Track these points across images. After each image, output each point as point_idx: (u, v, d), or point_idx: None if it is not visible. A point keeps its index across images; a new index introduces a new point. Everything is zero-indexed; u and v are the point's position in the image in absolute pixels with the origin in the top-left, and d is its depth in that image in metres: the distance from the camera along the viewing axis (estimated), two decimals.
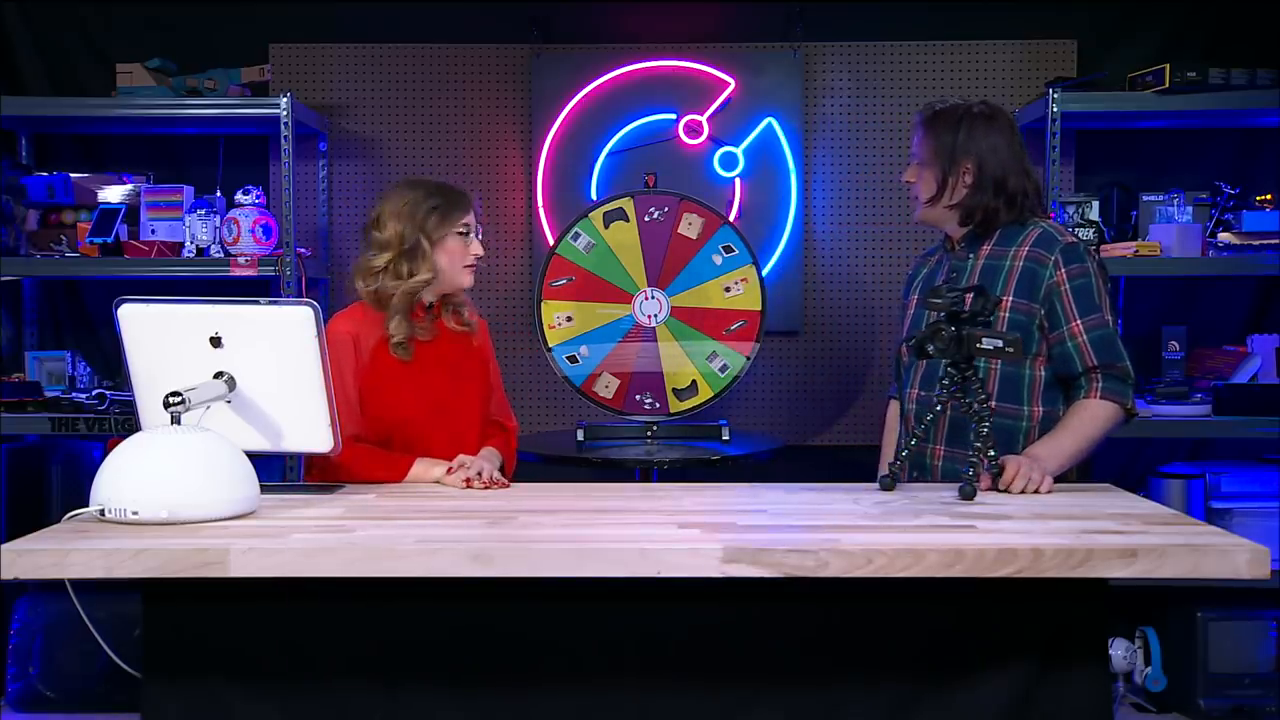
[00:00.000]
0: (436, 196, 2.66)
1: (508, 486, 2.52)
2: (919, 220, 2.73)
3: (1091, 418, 2.53)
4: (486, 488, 2.47)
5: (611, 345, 3.81)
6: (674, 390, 3.81)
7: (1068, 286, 2.55)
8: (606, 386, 3.81)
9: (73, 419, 3.80)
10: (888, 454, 2.86)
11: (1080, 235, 3.83)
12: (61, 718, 3.84)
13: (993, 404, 2.55)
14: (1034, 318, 2.56)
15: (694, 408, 3.81)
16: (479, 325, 2.81)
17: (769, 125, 4.22)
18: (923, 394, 2.63)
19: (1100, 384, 2.54)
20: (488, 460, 2.59)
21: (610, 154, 4.24)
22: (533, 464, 3.45)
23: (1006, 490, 2.36)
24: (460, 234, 2.66)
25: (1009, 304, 2.56)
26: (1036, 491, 2.35)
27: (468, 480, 2.48)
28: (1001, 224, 2.63)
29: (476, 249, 2.69)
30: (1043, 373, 2.58)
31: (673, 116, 4.23)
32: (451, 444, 2.61)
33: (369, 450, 2.56)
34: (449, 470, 2.52)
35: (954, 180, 2.61)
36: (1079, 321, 2.54)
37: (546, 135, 4.23)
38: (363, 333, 2.62)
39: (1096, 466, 3.57)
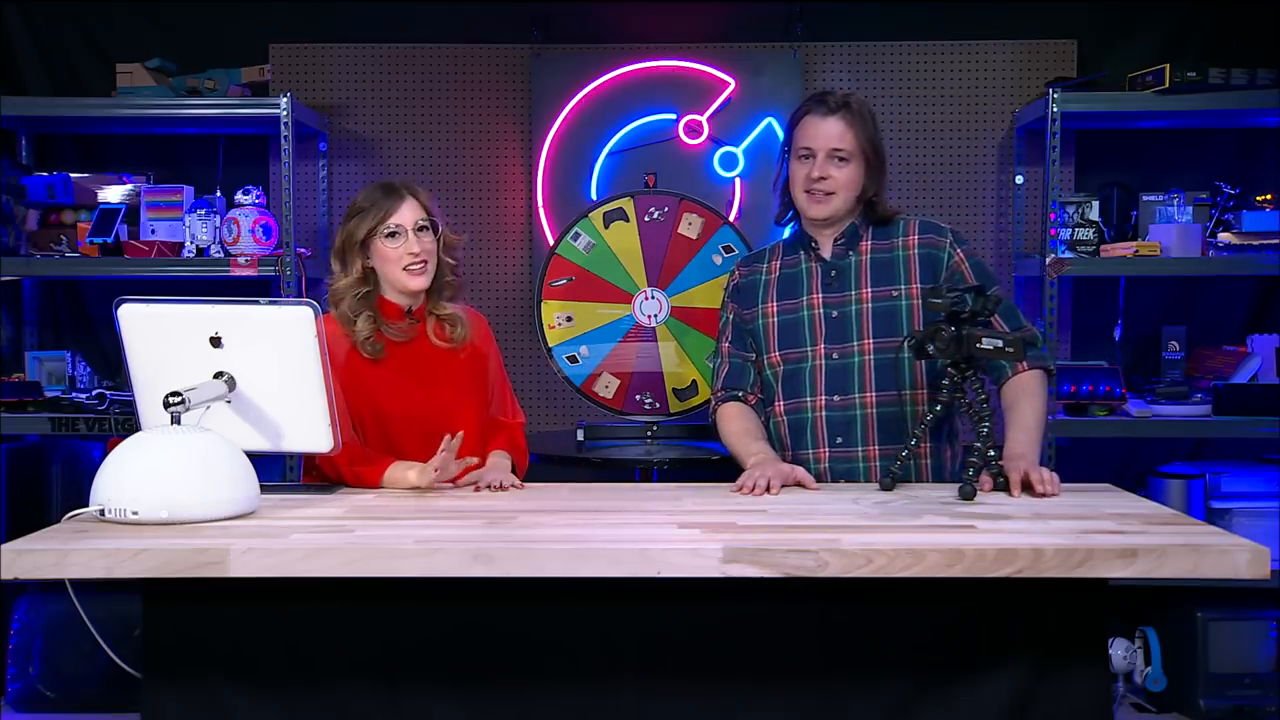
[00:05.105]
0: (362, 201, 2.62)
1: (521, 488, 2.52)
2: (828, 217, 2.65)
3: (1035, 392, 2.58)
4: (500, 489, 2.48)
5: (611, 345, 3.80)
6: (674, 390, 3.80)
7: (967, 265, 2.63)
8: (606, 386, 3.81)
9: (73, 419, 3.80)
10: (747, 450, 2.60)
11: (1080, 235, 3.87)
12: (61, 718, 3.83)
13: (871, 395, 2.57)
14: None
15: (694, 408, 3.81)
16: (480, 327, 2.76)
17: (769, 125, 4.21)
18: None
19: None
20: (496, 468, 2.57)
21: (610, 154, 4.24)
22: (533, 464, 3.41)
23: (1042, 495, 2.31)
24: (387, 236, 2.58)
25: (917, 292, 2.60)
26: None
27: (491, 486, 2.48)
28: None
29: (411, 247, 2.57)
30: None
31: (673, 116, 4.22)
32: (427, 449, 2.49)
33: (348, 448, 2.47)
34: (435, 474, 2.43)
35: (879, 170, 2.66)
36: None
37: (546, 135, 4.23)
38: (333, 333, 2.54)
39: (1096, 467, 3.58)
